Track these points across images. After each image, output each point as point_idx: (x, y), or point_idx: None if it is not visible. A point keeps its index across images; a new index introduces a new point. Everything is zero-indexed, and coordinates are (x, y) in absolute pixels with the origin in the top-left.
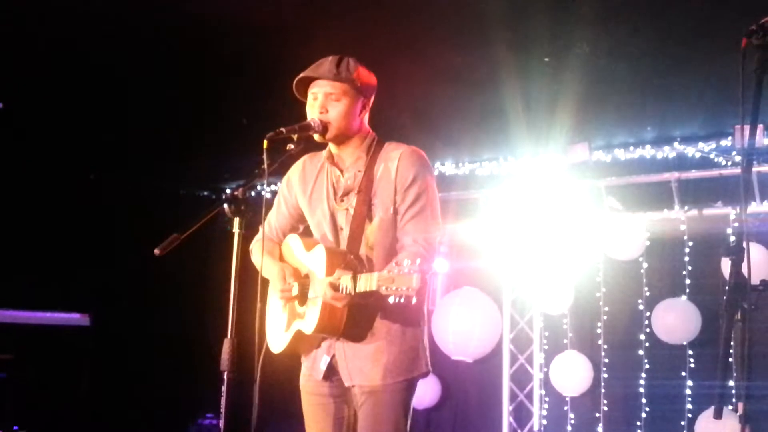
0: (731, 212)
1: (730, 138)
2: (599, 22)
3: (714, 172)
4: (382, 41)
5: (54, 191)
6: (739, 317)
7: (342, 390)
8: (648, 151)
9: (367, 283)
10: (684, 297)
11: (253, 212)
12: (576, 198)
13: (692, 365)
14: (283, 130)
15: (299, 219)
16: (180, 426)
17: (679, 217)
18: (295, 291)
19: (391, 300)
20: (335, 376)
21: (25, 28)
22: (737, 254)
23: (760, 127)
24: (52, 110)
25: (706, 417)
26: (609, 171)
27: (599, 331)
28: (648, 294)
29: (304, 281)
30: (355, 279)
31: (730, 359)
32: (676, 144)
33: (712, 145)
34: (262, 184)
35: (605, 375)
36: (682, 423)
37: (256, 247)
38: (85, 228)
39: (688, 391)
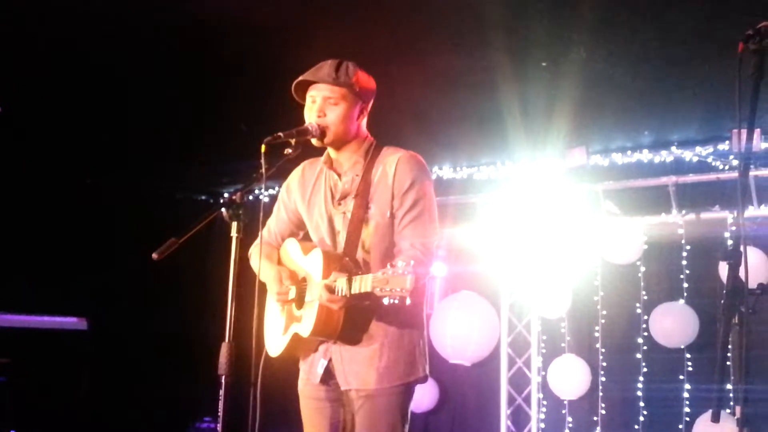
0: (729, 216)
1: (727, 142)
2: (597, 27)
3: (711, 176)
4: (382, 42)
5: (51, 195)
6: (736, 321)
7: (339, 394)
8: (645, 156)
9: (361, 284)
10: (682, 301)
11: (251, 216)
12: (573, 202)
13: (690, 369)
14: (281, 134)
15: (298, 224)
16: (178, 430)
17: (676, 221)
18: (292, 294)
19: (385, 301)
20: (332, 380)
21: (25, 28)
22: (735, 258)
23: (757, 131)
24: (51, 111)
25: (704, 420)
26: (606, 175)
27: (597, 334)
28: (646, 298)
29: (301, 284)
30: (350, 281)
31: (728, 363)
32: (673, 148)
33: (710, 149)
34: (260, 189)
35: (603, 378)
36: (680, 426)
37: (254, 252)
38: (82, 231)
39: (686, 395)
